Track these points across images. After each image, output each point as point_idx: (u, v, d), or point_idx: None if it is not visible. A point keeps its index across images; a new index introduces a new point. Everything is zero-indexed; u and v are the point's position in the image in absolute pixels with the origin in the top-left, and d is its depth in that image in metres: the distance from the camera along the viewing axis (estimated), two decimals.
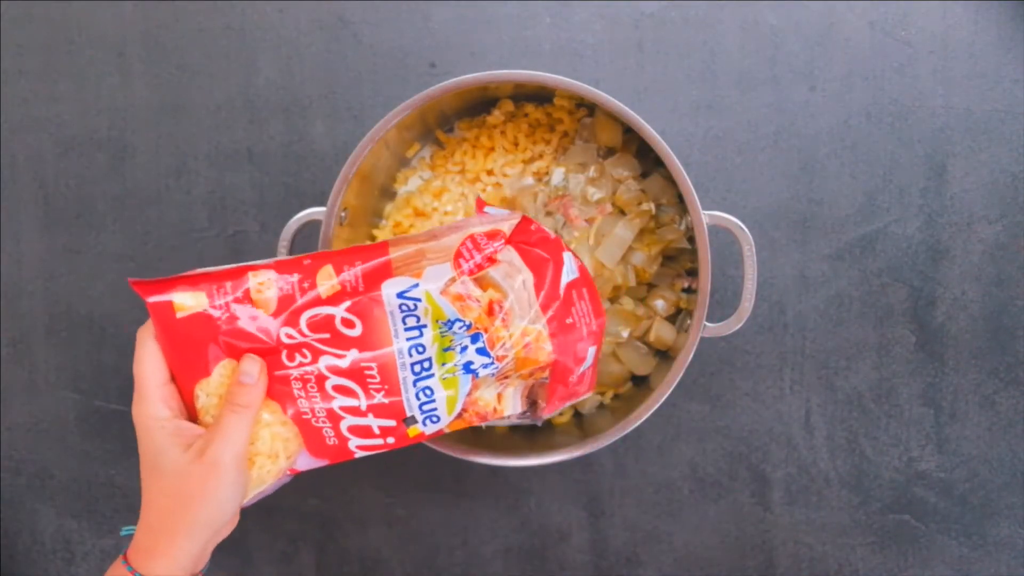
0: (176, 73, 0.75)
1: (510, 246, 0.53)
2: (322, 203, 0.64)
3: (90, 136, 0.75)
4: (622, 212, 0.68)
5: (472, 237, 0.53)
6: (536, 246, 0.54)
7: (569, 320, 0.55)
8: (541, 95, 0.70)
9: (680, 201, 0.67)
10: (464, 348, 0.53)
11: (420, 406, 0.54)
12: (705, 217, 0.62)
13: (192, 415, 0.54)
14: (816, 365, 0.74)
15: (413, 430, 0.55)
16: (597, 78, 0.73)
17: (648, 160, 0.68)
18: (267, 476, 0.54)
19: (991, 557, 0.74)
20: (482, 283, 0.52)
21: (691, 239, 0.68)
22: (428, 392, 0.54)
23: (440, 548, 0.76)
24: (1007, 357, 0.73)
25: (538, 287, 0.53)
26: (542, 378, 0.55)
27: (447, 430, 0.56)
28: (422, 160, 0.72)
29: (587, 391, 0.59)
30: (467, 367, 0.53)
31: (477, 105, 0.70)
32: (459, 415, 0.55)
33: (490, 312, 0.53)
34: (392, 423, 0.54)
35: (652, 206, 0.68)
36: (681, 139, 0.73)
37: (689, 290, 0.70)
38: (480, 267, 0.53)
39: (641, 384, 0.70)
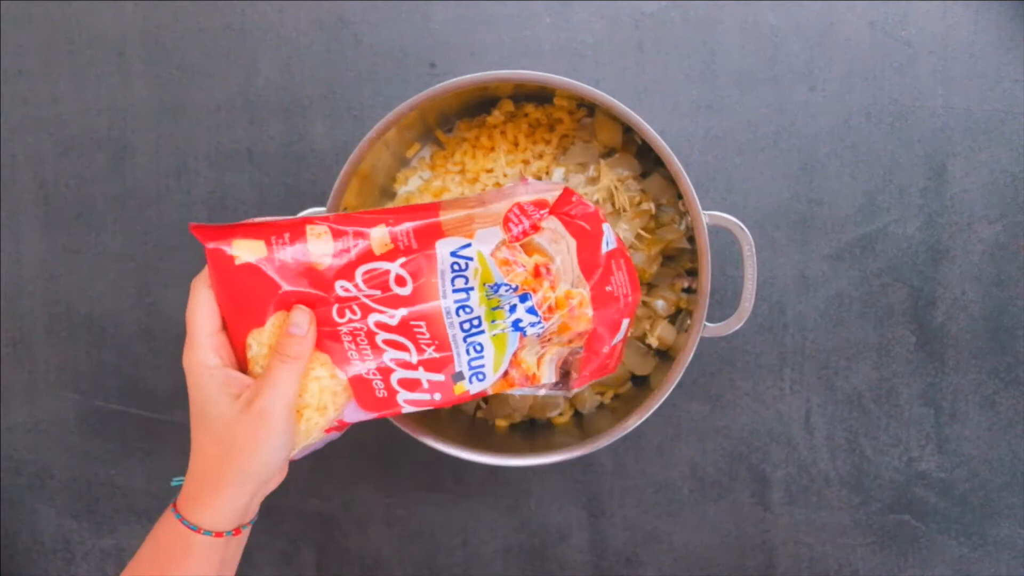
0: (176, 73, 0.75)
1: (554, 216, 0.55)
2: (322, 203, 0.64)
3: (90, 136, 0.75)
4: (622, 212, 0.68)
5: (519, 205, 0.55)
6: (577, 217, 0.55)
7: (608, 288, 0.56)
8: (541, 95, 0.70)
9: (680, 201, 0.67)
10: (513, 307, 0.55)
11: (470, 362, 0.55)
12: (705, 217, 0.62)
13: (243, 365, 0.54)
14: (816, 365, 0.74)
15: (459, 387, 0.56)
16: (597, 78, 0.73)
17: (648, 160, 0.68)
18: (314, 428, 0.55)
19: (991, 557, 0.74)
20: (527, 249, 0.54)
21: (691, 239, 0.68)
22: (479, 348, 0.55)
23: (440, 548, 0.76)
24: (1007, 357, 0.73)
25: (580, 254, 0.55)
26: (577, 347, 0.57)
27: (490, 391, 0.57)
28: (422, 160, 0.72)
29: (613, 368, 0.60)
30: (516, 324, 0.55)
31: (477, 105, 0.70)
32: (504, 375, 0.57)
33: (536, 275, 0.54)
34: (441, 378, 0.55)
35: (652, 206, 0.68)
36: (681, 139, 0.73)
37: (689, 290, 0.69)
38: (526, 233, 0.54)
39: (641, 384, 0.70)
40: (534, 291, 0.54)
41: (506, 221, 0.54)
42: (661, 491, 0.75)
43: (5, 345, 0.77)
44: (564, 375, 0.58)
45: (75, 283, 0.76)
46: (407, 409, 0.56)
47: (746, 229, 0.62)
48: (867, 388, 0.74)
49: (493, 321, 0.55)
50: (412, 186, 0.72)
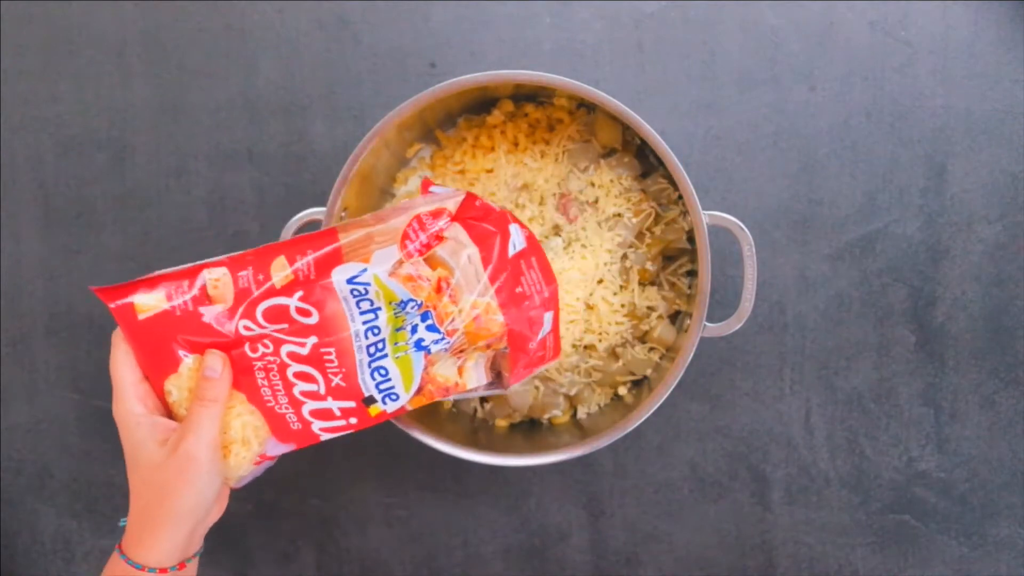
0: (176, 73, 0.75)
1: (456, 223, 0.54)
2: (322, 203, 0.64)
3: (90, 136, 0.75)
4: (624, 212, 0.68)
5: (418, 218, 0.54)
6: (482, 220, 0.55)
7: (519, 289, 0.56)
8: (541, 95, 0.70)
9: (680, 201, 0.67)
10: (415, 327, 0.54)
11: (376, 386, 0.55)
12: (705, 217, 0.62)
13: (167, 410, 0.56)
14: (816, 365, 0.74)
15: (374, 409, 0.56)
16: (597, 78, 0.73)
17: (648, 160, 0.68)
18: (243, 462, 0.56)
19: (991, 557, 0.74)
20: (431, 262, 0.54)
21: (691, 239, 0.68)
22: (383, 372, 0.55)
23: (440, 548, 0.76)
24: (1007, 357, 0.73)
25: (485, 260, 0.54)
26: (502, 348, 0.56)
27: (409, 407, 0.57)
28: (422, 160, 0.72)
29: (552, 358, 0.60)
30: (418, 344, 0.55)
31: (477, 105, 0.70)
32: (418, 391, 0.56)
33: (438, 290, 0.54)
34: (352, 404, 0.56)
35: (652, 206, 0.68)
36: (681, 139, 0.73)
37: (689, 289, 0.69)
38: (427, 247, 0.54)
39: (641, 384, 0.70)
40: (434, 307, 0.54)
41: (404, 238, 0.53)
42: (661, 491, 0.75)
43: (5, 345, 0.77)
44: (497, 375, 0.58)
45: (75, 283, 0.76)
46: (325, 437, 0.57)
47: (746, 229, 0.62)
48: (867, 388, 0.74)
49: (396, 343, 0.54)
50: (412, 186, 0.72)
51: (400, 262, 0.53)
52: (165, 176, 0.75)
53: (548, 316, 0.58)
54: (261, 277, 0.54)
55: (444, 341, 0.54)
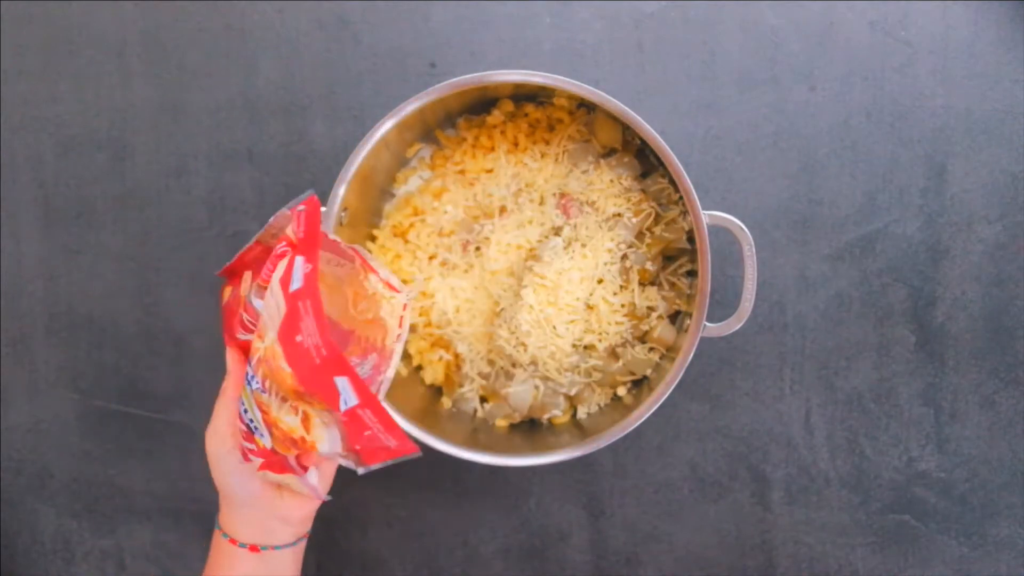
0: (176, 73, 0.75)
1: (293, 248, 0.48)
2: (322, 203, 0.64)
3: (90, 136, 0.75)
4: (623, 212, 0.68)
5: (280, 240, 0.50)
6: (309, 248, 0.48)
7: (298, 338, 0.46)
8: (541, 95, 0.70)
9: (680, 201, 0.67)
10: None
11: (243, 412, 0.53)
12: (705, 217, 0.62)
13: None
14: (816, 365, 0.74)
15: (258, 440, 0.52)
16: (597, 78, 0.73)
17: (648, 160, 0.68)
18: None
19: (991, 557, 0.74)
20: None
21: (691, 239, 0.68)
22: (242, 401, 0.54)
23: (440, 548, 0.76)
24: (1007, 357, 0.73)
25: (286, 294, 0.47)
26: (332, 412, 0.48)
27: (281, 451, 0.51)
28: (422, 160, 0.72)
29: (400, 446, 0.47)
30: (247, 378, 0.51)
31: (477, 105, 0.70)
32: (271, 433, 0.50)
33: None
34: (244, 427, 0.54)
35: (652, 206, 0.68)
36: (681, 139, 0.73)
37: (689, 289, 0.69)
38: (271, 272, 0.49)
39: (641, 384, 0.70)
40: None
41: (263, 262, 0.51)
42: (661, 491, 0.75)
43: (5, 345, 0.77)
44: (349, 447, 0.49)
45: (75, 283, 0.76)
46: (247, 449, 0.54)
47: (746, 229, 0.62)
48: (867, 388, 0.74)
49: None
50: (412, 186, 0.72)
51: (258, 284, 0.51)
52: (165, 176, 0.75)
53: (343, 383, 0.45)
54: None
55: (254, 379, 0.49)
